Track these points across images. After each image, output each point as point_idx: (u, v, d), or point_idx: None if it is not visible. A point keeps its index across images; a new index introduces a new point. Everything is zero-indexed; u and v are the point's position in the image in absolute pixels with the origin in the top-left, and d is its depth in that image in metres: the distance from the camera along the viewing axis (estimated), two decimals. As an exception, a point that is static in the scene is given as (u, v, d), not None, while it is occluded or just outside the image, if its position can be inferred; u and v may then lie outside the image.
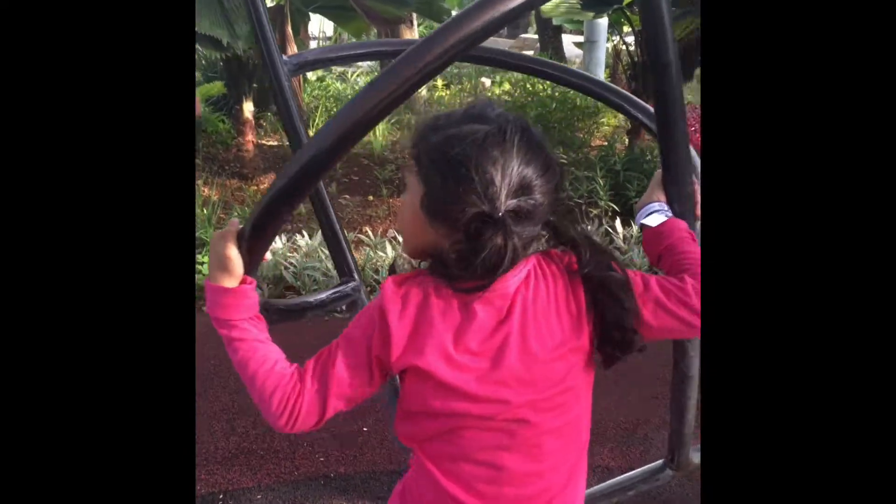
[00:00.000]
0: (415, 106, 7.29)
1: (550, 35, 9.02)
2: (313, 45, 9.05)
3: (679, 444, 1.75)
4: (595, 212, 4.28)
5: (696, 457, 1.79)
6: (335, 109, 6.24)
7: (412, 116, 6.67)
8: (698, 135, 4.93)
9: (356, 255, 2.94)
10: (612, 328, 0.92)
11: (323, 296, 1.72)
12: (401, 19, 5.31)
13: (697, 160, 1.46)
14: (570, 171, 4.53)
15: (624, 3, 5.26)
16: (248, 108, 5.60)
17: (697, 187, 1.21)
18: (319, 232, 4.03)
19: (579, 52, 7.96)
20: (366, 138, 6.20)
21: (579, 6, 5.24)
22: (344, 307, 1.80)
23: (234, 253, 0.95)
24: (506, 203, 0.85)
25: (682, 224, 1.12)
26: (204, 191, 4.87)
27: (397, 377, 0.97)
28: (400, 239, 2.54)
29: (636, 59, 5.29)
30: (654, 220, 1.13)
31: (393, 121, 6.49)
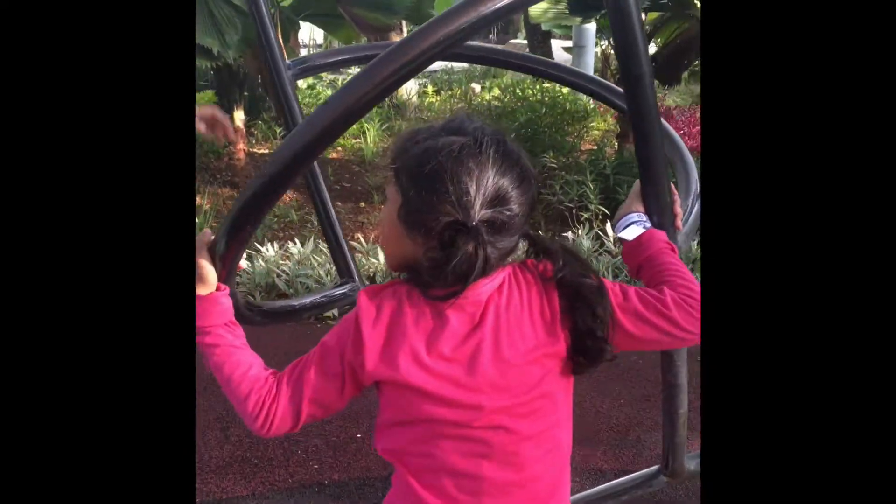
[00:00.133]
0: (405, 112, 7.30)
1: (539, 40, 9.05)
2: (304, 52, 9.06)
3: (672, 451, 1.76)
4: (586, 215, 4.30)
5: (690, 464, 1.81)
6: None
7: (403, 123, 6.68)
8: (688, 138, 4.96)
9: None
10: (584, 336, 0.93)
11: (319, 296, 1.74)
12: (390, 27, 5.32)
13: (692, 163, 1.46)
14: (560, 176, 4.55)
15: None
16: (240, 116, 5.61)
17: (677, 198, 1.22)
18: (311, 239, 4.05)
19: (568, 56, 8.00)
20: (357, 145, 6.22)
21: (567, 11, 5.26)
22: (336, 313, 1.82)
23: (205, 262, 0.99)
24: (480, 213, 0.87)
25: (662, 235, 1.12)
26: (196, 199, 4.87)
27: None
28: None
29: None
30: (632, 233, 1.13)
31: (384, 127, 6.51)
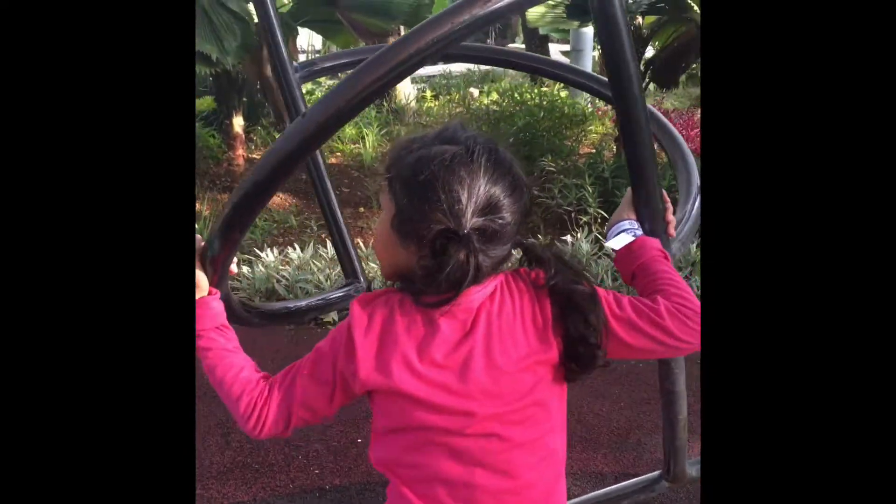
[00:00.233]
0: (404, 117, 7.31)
1: (537, 44, 9.07)
2: (302, 58, 9.08)
3: (673, 456, 1.77)
4: (584, 219, 4.31)
5: (692, 470, 1.81)
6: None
7: (401, 128, 6.69)
8: (687, 141, 4.96)
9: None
10: (576, 343, 0.93)
11: (316, 299, 1.75)
12: (388, 32, 5.33)
13: (693, 162, 1.46)
14: (558, 179, 4.56)
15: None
16: (238, 122, 5.63)
17: (670, 206, 1.22)
18: (311, 245, 4.05)
19: (566, 60, 8.03)
20: (356, 150, 6.22)
21: (565, 15, 5.27)
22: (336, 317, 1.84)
23: (196, 267, 1.02)
24: (472, 221, 0.87)
25: (655, 242, 1.12)
26: (195, 205, 4.88)
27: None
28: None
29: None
30: (621, 241, 1.13)
31: (383, 132, 6.52)
